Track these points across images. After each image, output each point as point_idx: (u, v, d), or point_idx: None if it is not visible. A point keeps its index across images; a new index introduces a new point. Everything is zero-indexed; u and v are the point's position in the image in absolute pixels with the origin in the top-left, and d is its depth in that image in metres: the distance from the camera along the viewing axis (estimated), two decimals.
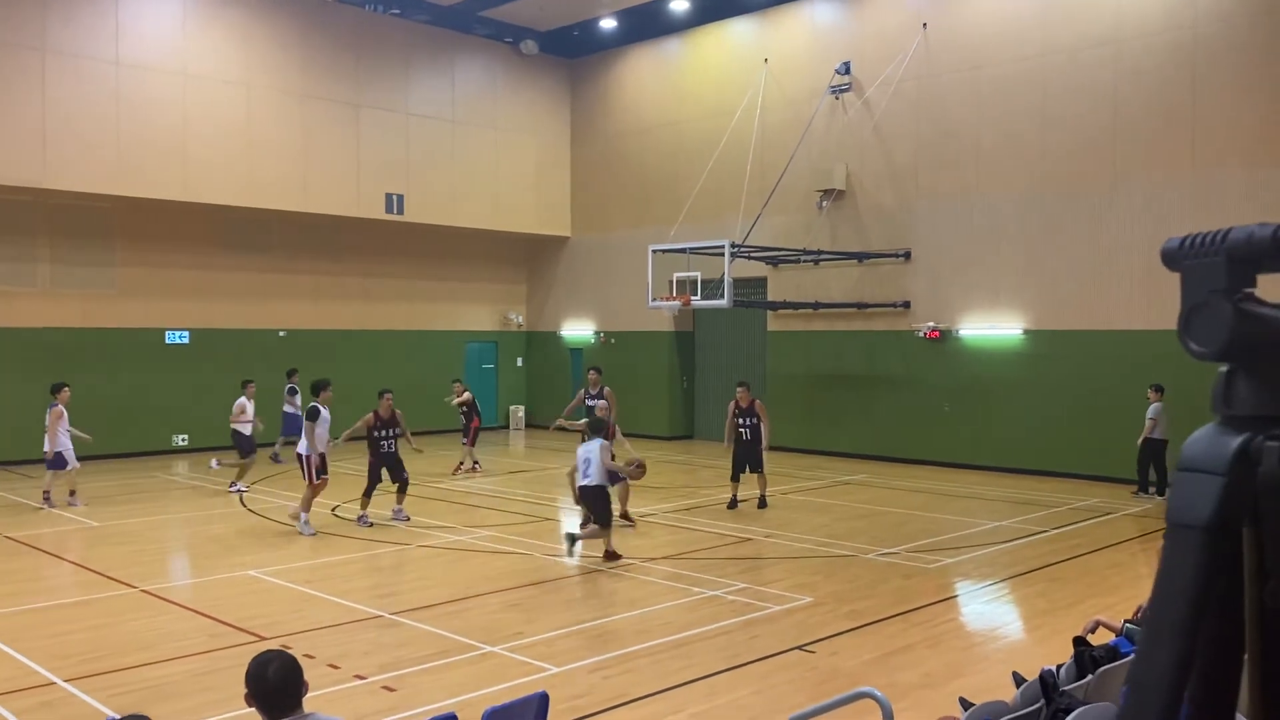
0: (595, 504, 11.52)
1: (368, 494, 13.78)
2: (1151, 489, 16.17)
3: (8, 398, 19.86)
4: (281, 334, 23.75)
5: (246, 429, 17.15)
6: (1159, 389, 15.81)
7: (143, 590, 10.19)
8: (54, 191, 19.42)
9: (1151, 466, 16.14)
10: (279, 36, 22.06)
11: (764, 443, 14.98)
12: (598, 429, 12.06)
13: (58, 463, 15.00)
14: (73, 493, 15.34)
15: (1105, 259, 18.01)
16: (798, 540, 12.74)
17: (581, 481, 11.67)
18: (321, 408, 13.36)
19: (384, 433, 13.82)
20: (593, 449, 11.60)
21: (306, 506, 13.16)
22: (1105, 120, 17.99)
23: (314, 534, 12.88)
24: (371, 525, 13.51)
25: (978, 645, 8.66)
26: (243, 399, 17.31)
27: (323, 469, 13.35)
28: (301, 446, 13.42)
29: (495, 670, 7.65)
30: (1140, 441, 15.97)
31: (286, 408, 20.56)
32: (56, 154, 18.93)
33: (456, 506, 14.87)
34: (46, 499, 15.12)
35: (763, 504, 15.13)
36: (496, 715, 4.28)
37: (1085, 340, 18.25)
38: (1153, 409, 15.82)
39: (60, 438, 15.03)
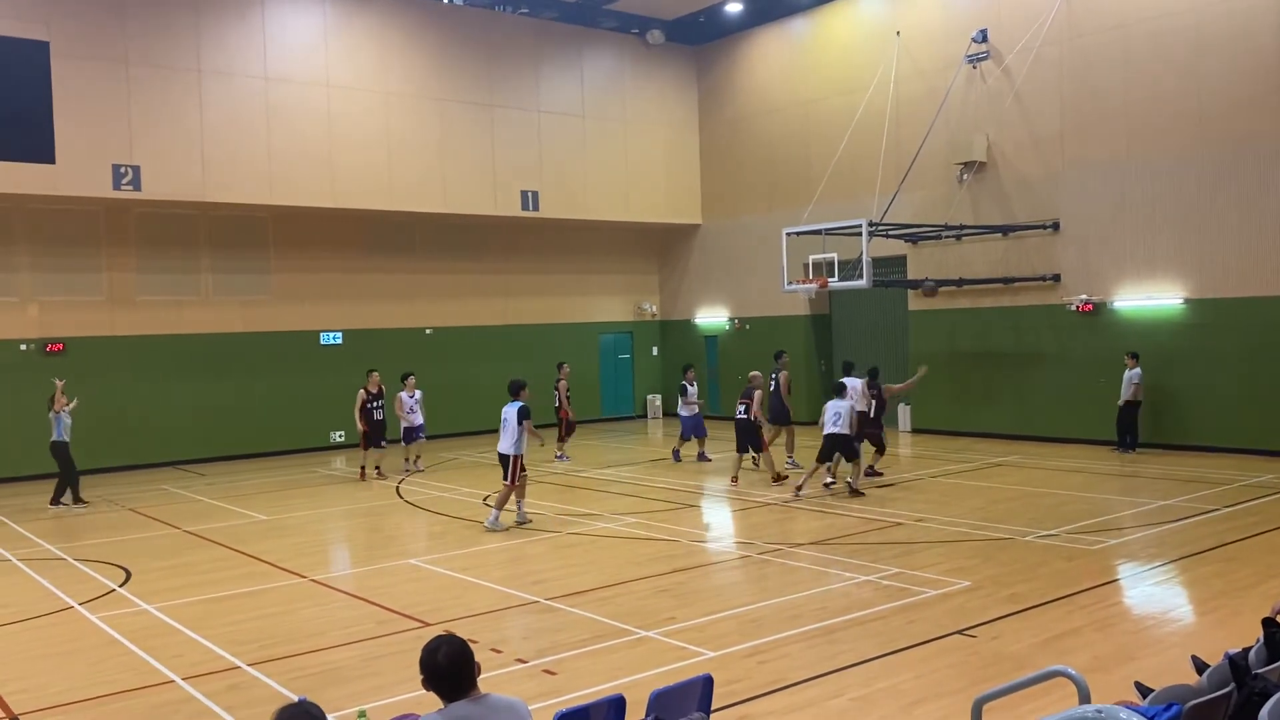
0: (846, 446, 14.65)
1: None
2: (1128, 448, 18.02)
3: (177, 400, 21.08)
4: (428, 332, 24.50)
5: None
6: (1135, 356, 17.93)
7: (311, 580, 10.69)
8: (213, 204, 20.51)
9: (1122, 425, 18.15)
10: (414, 43, 22.72)
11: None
12: (839, 391, 14.93)
13: (405, 436, 18.83)
14: (417, 458, 18.99)
15: (1275, 220, 16.91)
16: (950, 524, 12.42)
17: (831, 430, 14.58)
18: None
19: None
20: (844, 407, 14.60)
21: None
22: (1271, 70, 16.86)
23: None
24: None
25: (1150, 628, 8.27)
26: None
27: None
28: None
29: (651, 654, 7.72)
30: (1122, 404, 17.95)
31: (682, 410, 19.03)
32: (214, 168, 19.99)
33: (601, 494, 15.07)
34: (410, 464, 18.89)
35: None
36: (663, 697, 4.31)
37: (1253, 307, 17.20)
38: (1133, 374, 17.78)
39: (407, 417, 18.66)
